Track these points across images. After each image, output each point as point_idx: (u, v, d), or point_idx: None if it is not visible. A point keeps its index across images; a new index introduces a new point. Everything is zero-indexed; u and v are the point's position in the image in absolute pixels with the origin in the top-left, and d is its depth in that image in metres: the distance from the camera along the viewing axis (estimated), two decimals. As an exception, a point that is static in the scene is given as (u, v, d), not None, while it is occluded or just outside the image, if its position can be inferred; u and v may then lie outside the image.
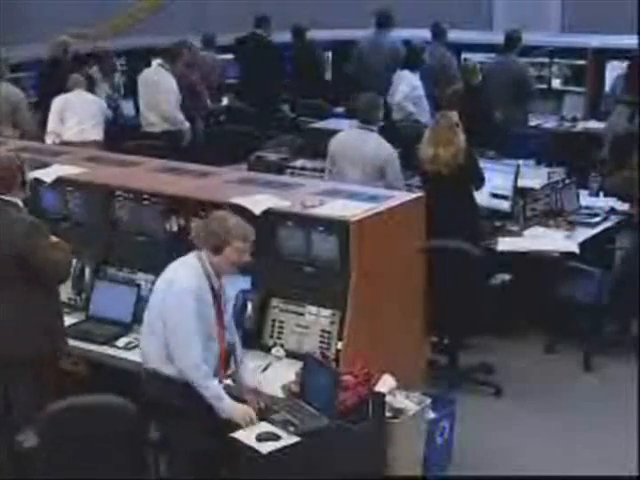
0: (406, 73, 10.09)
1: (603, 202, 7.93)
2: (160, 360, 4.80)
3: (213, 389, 4.76)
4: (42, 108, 9.85)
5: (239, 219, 4.88)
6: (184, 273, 4.78)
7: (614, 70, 10.29)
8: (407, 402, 5.15)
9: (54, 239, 5.17)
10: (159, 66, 9.74)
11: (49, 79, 9.93)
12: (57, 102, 9.17)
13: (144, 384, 4.90)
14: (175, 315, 4.73)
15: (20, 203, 5.17)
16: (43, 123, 9.71)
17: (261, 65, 10.70)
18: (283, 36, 11.88)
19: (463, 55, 11.27)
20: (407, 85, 9.98)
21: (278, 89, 11.29)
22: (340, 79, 11.45)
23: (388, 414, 5.02)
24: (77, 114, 9.11)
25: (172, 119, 9.61)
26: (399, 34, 11.21)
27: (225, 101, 11.29)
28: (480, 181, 7.17)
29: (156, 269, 5.81)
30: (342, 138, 7.48)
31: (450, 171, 6.94)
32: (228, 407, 4.75)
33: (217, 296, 4.84)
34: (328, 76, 11.98)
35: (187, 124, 9.66)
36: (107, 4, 12.35)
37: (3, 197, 5.10)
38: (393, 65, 10.52)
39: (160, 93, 9.57)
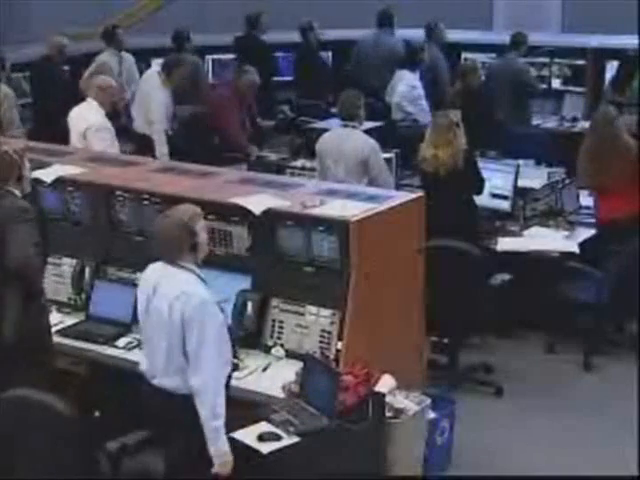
0: (405, 73, 10.09)
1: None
2: (165, 374, 4.71)
3: (221, 416, 4.61)
4: (34, 109, 9.87)
5: (181, 209, 4.83)
6: (194, 286, 4.68)
7: (614, 70, 10.30)
8: (407, 402, 5.15)
9: None
10: (156, 73, 9.53)
11: (41, 79, 9.89)
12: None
13: (146, 400, 4.79)
14: (205, 327, 4.60)
15: (17, 193, 5.31)
16: (36, 123, 9.71)
17: (254, 65, 10.56)
18: (282, 36, 11.89)
19: (463, 55, 11.26)
20: (405, 85, 9.98)
21: (271, 89, 11.23)
22: (340, 79, 11.43)
23: (388, 414, 5.02)
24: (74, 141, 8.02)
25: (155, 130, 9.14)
26: (399, 34, 11.21)
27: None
28: (479, 188, 7.17)
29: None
30: (326, 137, 7.56)
31: (448, 172, 6.94)
32: (224, 446, 4.63)
33: None
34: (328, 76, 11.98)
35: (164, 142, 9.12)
36: (107, 4, 12.35)
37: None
38: (390, 65, 10.53)
39: (150, 102, 9.17)
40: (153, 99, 9.14)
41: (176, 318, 4.63)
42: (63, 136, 8.10)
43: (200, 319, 4.61)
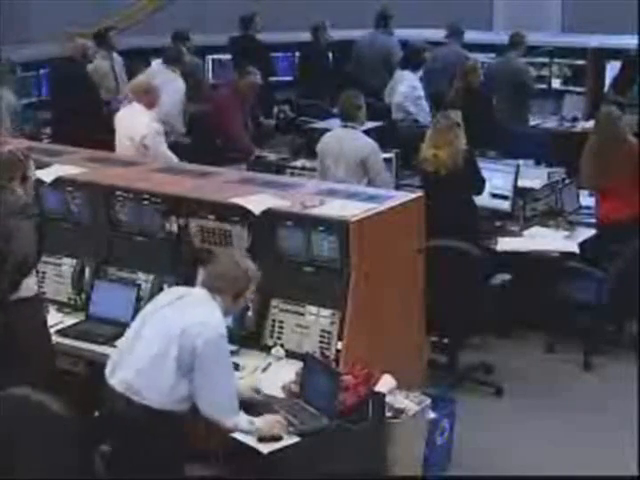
0: (406, 73, 10.10)
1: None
2: (167, 398, 4.64)
3: (245, 423, 4.66)
4: (52, 108, 9.87)
5: (253, 265, 4.88)
6: (218, 317, 4.68)
7: (614, 70, 10.30)
8: (407, 402, 5.15)
9: None
10: (166, 68, 9.55)
11: (62, 80, 9.87)
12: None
13: (122, 412, 4.69)
14: (215, 360, 4.62)
15: (21, 192, 5.33)
16: (53, 123, 9.72)
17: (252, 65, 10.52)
18: (282, 36, 11.90)
19: (463, 55, 11.27)
20: (407, 85, 9.99)
21: (270, 89, 11.21)
22: (340, 79, 11.45)
23: (388, 414, 5.02)
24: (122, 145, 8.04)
25: (172, 125, 9.26)
26: (399, 34, 11.22)
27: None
28: (479, 188, 7.16)
29: (156, 269, 5.86)
30: (327, 137, 7.58)
31: (448, 172, 6.94)
32: (262, 425, 4.68)
33: None
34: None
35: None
36: (107, 4, 12.35)
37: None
38: (387, 65, 10.53)
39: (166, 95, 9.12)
40: (168, 90, 9.13)
41: (185, 343, 4.59)
42: (85, 135, 8.11)
43: (214, 355, 4.61)
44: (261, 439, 4.63)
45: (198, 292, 4.80)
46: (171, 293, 4.95)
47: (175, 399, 4.63)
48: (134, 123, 7.90)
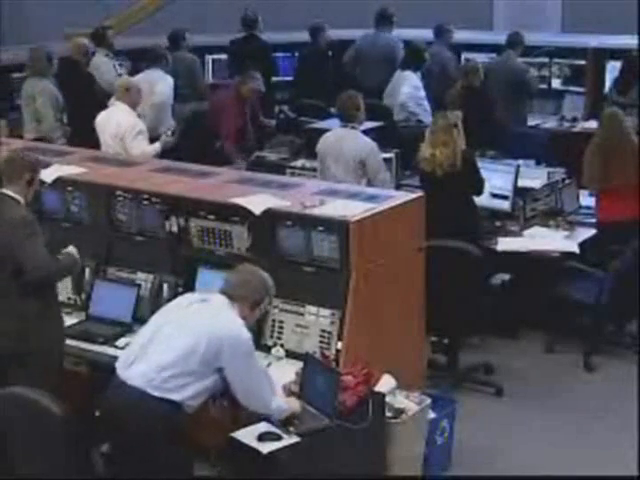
0: (408, 74, 10.08)
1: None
2: (185, 394, 4.67)
3: (284, 405, 4.81)
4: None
5: (266, 274, 4.95)
6: (239, 323, 4.73)
7: (614, 70, 10.30)
8: (407, 402, 5.16)
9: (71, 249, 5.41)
10: (154, 71, 9.56)
11: (63, 80, 9.87)
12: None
13: (135, 405, 4.67)
14: (247, 359, 4.70)
15: (20, 199, 5.27)
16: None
17: (254, 66, 10.45)
18: (282, 36, 11.89)
19: (463, 55, 11.25)
20: (410, 86, 9.97)
21: (271, 89, 11.19)
22: (340, 79, 11.45)
23: (388, 414, 5.02)
24: (107, 145, 8.01)
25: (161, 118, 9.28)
26: (399, 34, 11.20)
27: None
28: (479, 189, 7.15)
29: (156, 269, 5.86)
30: (327, 137, 7.59)
31: (445, 173, 6.94)
32: (291, 404, 4.85)
33: None
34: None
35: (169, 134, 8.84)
36: (107, 4, 12.35)
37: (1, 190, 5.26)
38: (389, 65, 10.53)
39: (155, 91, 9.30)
40: (158, 86, 9.23)
41: (212, 344, 4.64)
42: (86, 135, 8.12)
43: (245, 355, 4.69)
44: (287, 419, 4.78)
45: (218, 298, 4.83)
46: (189, 297, 4.97)
47: (190, 395, 4.66)
48: (118, 121, 7.94)
